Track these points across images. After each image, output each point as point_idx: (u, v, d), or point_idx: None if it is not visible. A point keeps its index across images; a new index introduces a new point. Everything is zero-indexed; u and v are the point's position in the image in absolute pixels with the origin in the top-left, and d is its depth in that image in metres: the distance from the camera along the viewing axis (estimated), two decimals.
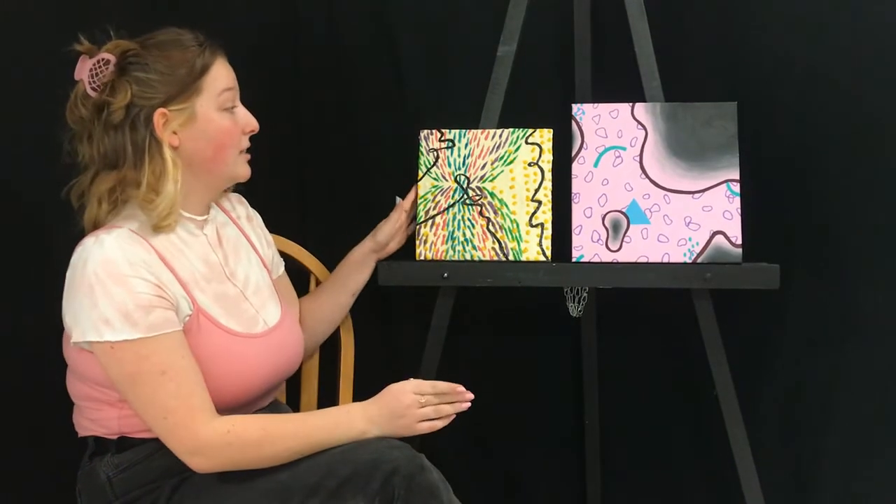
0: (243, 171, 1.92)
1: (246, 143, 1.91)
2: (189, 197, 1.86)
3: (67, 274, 1.75)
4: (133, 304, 1.69)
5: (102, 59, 1.81)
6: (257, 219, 2.09)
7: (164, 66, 1.80)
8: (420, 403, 1.80)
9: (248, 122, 1.90)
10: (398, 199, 2.25)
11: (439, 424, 1.83)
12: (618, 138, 2.20)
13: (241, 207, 2.06)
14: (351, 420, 1.76)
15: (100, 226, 1.81)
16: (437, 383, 1.83)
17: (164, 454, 1.76)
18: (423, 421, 1.80)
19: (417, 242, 2.24)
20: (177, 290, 1.76)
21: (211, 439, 1.70)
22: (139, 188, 1.79)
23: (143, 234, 1.78)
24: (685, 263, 2.14)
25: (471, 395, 1.86)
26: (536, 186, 2.20)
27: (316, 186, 2.54)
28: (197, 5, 2.38)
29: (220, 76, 1.85)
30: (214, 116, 1.84)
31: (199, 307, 1.79)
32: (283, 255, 2.14)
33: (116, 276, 1.70)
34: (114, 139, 1.80)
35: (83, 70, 1.82)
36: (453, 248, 2.22)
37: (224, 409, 1.76)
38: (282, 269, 2.11)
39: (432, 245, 2.23)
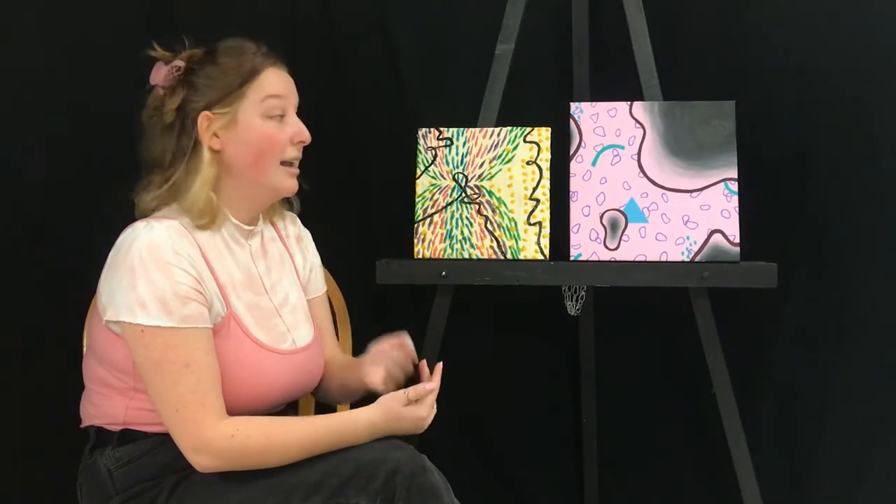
0: (286, 184, 1.89)
1: (291, 154, 1.88)
2: (234, 203, 1.87)
3: (111, 253, 1.77)
4: (172, 292, 1.71)
5: (175, 66, 1.86)
6: (306, 240, 2.08)
7: (214, 72, 1.84)
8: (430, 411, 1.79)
9: (297, 131, 1.88)
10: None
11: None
12: (616, 137, 2.20)
13: (292, 227, 2.06)
14: (356, 432, 1.76)
15: (149, 216, 1.84)
16: (430, 395, 1.78)
17: (166, 450, 1.77)
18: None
19: (416, 241, 2.24)
20: (213, 290, 1.78)
21: (215, 440, 1.71)
22: (178, 186, 1.82)
23: (191, 230, 1.81)
24: (683, 262, 2.14)
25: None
26: (534, 185, 2.20)
27: (314, 185, 2.54)
28: (196, 6, 2.38)
29: (268, 83, 1.85)
30: (256, 122, 1.84)
31: (232, 311, 1.81)
32: None
33: (160, 263, 1.71)
34: (165, 139, 1.84)
35: (158, 75, 1.87)
36: (451, 247, 2.22)
37: (235, 413, 1.76)
38: (318, 294, 2.07)
39: (430, 243, 2.23)
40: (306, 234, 2.09)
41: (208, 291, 1.77)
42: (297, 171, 1.89)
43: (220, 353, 1.77)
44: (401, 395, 1.78)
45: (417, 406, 1.77)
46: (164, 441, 1.76)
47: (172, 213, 1.83)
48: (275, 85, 1.87)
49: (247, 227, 1.91)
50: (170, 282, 1.71)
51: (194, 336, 1.72)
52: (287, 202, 2.01)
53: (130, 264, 1.71)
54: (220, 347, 1.77)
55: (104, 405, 1.82)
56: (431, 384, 1.80)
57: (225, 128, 1.83)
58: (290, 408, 2.03)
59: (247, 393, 1.81)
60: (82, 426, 1.87)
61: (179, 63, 1.85)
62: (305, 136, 1.88)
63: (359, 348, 2.22)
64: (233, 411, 1.76)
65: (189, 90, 1.84)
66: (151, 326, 1.70)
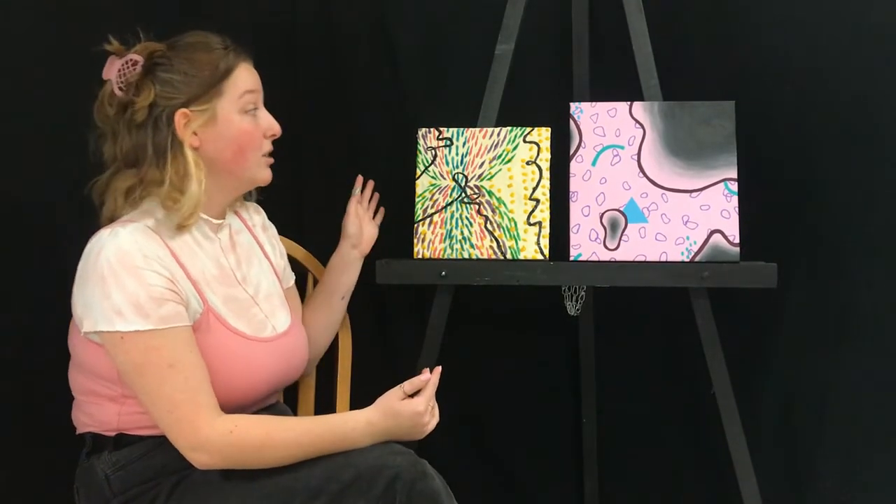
0: (263, 176, 1.92)
1: (268, 147, 1.92)
2: (208, 199, 1.87)
3: (80, 264, 1.76)
4: (145, 295, 1.70)
5: (130, 60, 1.83)
6: (272, 229, 2.10)
7: (187, 67, 1.82)
8: (429, 415, 1.80)
9: (269, 125, 1.90)
10: (356, 189, 2.26)
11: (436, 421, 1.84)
12: (616, 137, 2.20)
13: (257, 216, 2.07)
14: (355, 432, 1.76)
15: (116, 220, 1.82)
16: (427, 388, 1.80)
17: (163, 452, 1.76)
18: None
19: (415, 241, 2.24)
20: (187, 288, 1.78)
21: (213, 437, 1.71)
22: (162, 187, 1.80)
23: (158, 231, 1.80)
24: (683, 262, 2.14)
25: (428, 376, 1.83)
26: (534, 185, 2.20)
27: (314, 185, 2.54)
28: (196, 5, 2.38)
29: (243, 79, 1.86)
30: (235, 118, 1.84)
31: (209, 307, 1.80)
32: None
33: (130, 268, 1.71)
34: (136, 138, 1.82)
35: (111, 70, 1.84)
36: (451, 247, 2.22)
37: (226, 408, 1.76)
38: (292, 282, 2.11)
39: (430, 243, 2.23)
40: (271, 226, 2.10)
41: (183, 290, 1.76)
42: (272, 160, 1.92)
43: (204, 348, 1.76)
44: (397, 389, 1.79)
45: (414, 400, 1.77)
46: (160, 443, 1.76)
47: (137, 216, 1.81)
48: (248, 80, 1.87)
49: (216, 221, 1.90)
50: (142, 285, 1.70)
51: (174, 335, 1.72)
52: (247, 192, 2.01)
53: (100, 273, 1.70)
54: (202, 343, 1.76)
55: (96, 413, 1.81)
56: (426, 375, 1.80)
57: (204, 125, 1.82)
58: (288, 409, 2.04)
59: (237, 385, 1.80)
60: (78, 433, 1.86)
61: (136, 57, 1.82)
62: (277, 129, 1.92)
63: (358, 348, 2.23)
64: (225, 406, 1.75)
65: (161, 86, 1.81)
66: (130, 332, 1.69)
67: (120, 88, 1.82)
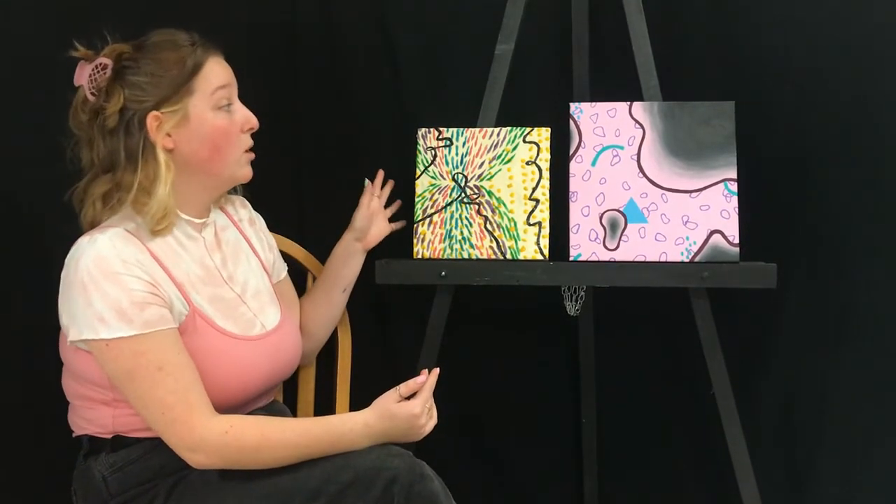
0: (243, 173, 1.89)
1: (247, 142, 1.88)
2: (188, 199, 1.85)
3: (62, 273, 1.76)
4: (127, 301, 1.69)
5: (100, 64, 1.81)
6: (260, 222, 2.08)
7: (154, 68, 1.80)
8: (426, 417, 1.80)
9: (246, 119, 1.87)
10: (367, 182, 2.26)
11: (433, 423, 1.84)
12: (615, 137, 2.20)
13: (243, 210, 2.06)
14: (352, 434, 1.75)
15: (97, 226, 1.81)
16: (424, 391, 1.80)
17: (160, 453, 1.76)
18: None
19: (415, 241, 2.24)
20: (171, 290, 1.76)
21: (208, 437, 1.70)
22: (131, 191, 1.79)
23: (138, 234, 1.78)
24: (682, 262, 2.14)
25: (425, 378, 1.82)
26: (534, 185, 2.20)
27: (314, 185, 2.54)
28: (195, 5, 2.38)
29: (213, 74, 1.83)
30: (208, 116, 1.82)
31: (194, 308, 1.79)
32: (281, 253, 2.14)
33: (109, 274, 1.70)
34: (109, 143, 1.81)
35: (82, 76, 1.83)
36: (451, 247, 2.22)
37: (220, 409, 1.76)
38: (284, 273, 2.10)
39: (430, 243, 2.23)
40: (259, 218, 2.09)
41: (165, 292, 1.75)
42: (252, 155, 1.89)
43: (192, 350, 1.75)
44: (393, 392, 1.79)
45: (410, 403, 1.77)
46: (157, 445, 1.76)
47: (117, 221, 1.80)
48: (220, 75, 1.84)
49: (198, 221, 1.89)
50: (123, 291, 1.69)
51: (160, 339, 1.71)
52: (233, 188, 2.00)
53: (81, 281, 1.70)
54: (190, 345, 1.75)
55: (92, 417, 1.81)
56: (422, 378, 1.80)
57: (177, 126, 1.79)
58: (287, 409, 2.04)
59: (227, 385, 1.79)
60: (75, 436, 1.86)
61: (105, 61, 1.81)
62: (254, 122, 1.88)
63: (357, 348, 2.23)
64: (218, 406, 1.75)
65: (130, 90, 1.79)
66: (114, 339, 1.69)
67: (92, 94, 1.81)
